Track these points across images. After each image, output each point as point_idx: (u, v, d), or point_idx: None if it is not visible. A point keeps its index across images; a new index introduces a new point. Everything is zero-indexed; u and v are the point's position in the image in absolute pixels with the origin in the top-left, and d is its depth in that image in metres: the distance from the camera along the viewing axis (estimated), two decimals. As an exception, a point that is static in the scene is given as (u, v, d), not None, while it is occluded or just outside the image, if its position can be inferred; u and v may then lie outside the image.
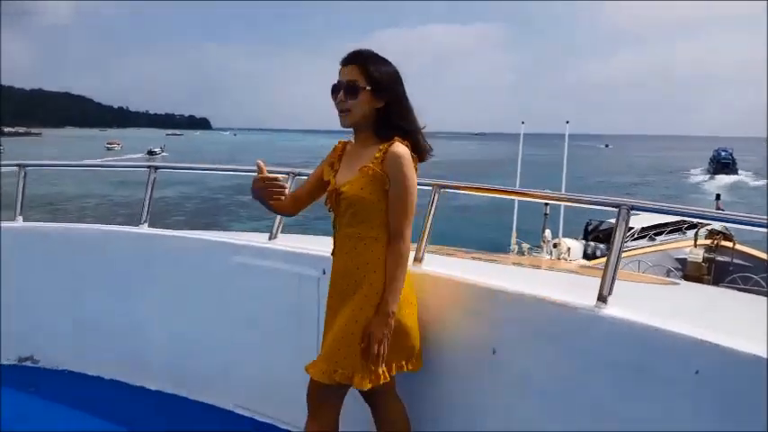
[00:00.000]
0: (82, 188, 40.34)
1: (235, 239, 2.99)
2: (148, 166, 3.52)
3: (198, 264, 3.10)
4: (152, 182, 3.34)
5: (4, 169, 3.87)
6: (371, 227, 1.97)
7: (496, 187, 2.55)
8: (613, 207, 2.02)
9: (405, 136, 1.96)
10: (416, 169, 1.97)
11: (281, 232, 2.97)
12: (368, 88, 1.92)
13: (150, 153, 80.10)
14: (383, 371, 1.99)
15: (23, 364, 3.52)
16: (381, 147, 1.94)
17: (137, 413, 3.02)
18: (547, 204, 10.50)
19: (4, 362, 3.51)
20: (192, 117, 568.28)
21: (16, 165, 3.64)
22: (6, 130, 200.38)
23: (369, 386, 1.98)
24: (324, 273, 2.56)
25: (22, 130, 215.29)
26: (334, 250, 2.09)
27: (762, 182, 52.26)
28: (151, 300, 3.25)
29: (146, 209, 3.37)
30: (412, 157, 1.94)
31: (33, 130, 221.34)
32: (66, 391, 3.22)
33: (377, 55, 1.98)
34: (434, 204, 2.47)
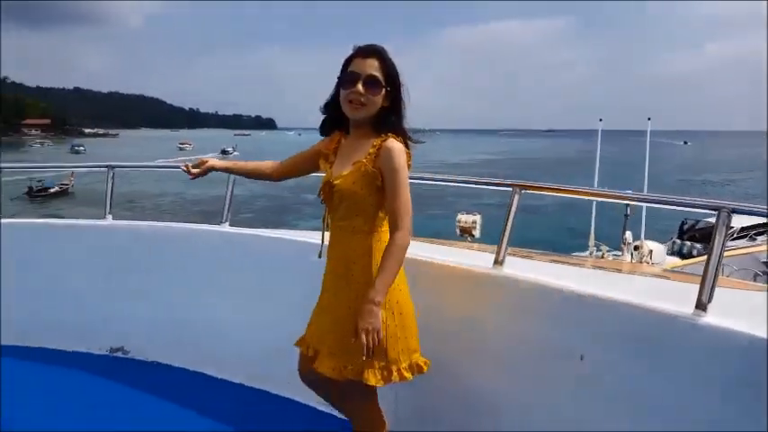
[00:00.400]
0: (158, 186, 42.23)
1: (313, 239, 2.94)
2: (106, 166, 3.74)
3: (278, 262, 3.14)
4: (232, 182, 3.40)
5: (93, 169, 4.08)
6: (364, 220, 1.97)
7: (581, 189, 2.45)
8: (713, 210, 1.91)
9: (399, 134, 1.97)
10: (410, 166, 1.98)
11: None
12: (387, 89, 1.95)
13: (223, 152, 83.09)
14: (397, 369, 1.98)
15: (114, 354, 3.68)
16: (375, 143, 1.94)
17: (220, 406, 3.09)
18: (627, 205, 10.16)
19: (97, 352, 3.70)
20: (258, 117, 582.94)
21: (105, 166, 3.82)
22: (87, 131, 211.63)
23: (381, 383, 1.96)
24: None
25: (101, 131, 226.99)
26: (330, 242, 2.09)
27: None
28: (234, 296, 3.32)
29: (226, 208, 3.45)
30: (407, 152, 1.96)
31: (111, 131, 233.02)
32: (153, 382, 3.33)
33: (389, 55, 1.99)
34: (515, 205, 2.39)
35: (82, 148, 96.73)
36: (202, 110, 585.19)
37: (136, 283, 3.63)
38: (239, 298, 3.31)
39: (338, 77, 1.99)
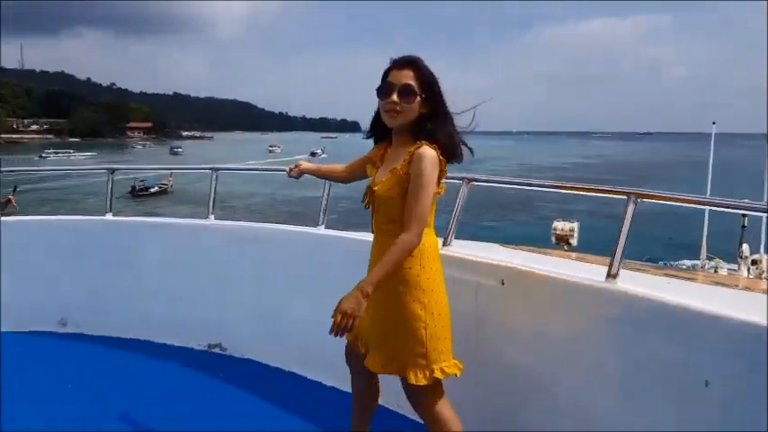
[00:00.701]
0: (248, 187, 43.62)
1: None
2: (210, 168, 3.94)
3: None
4: (328, 186, 3.43)
5: (196, 171, 4.20)
6: (402, 225, 1.99)
7: (699, 198, 2.29)
8: None
9: (437, 141, 2.00)
10: (445, 171, 2.04)
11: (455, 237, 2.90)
12: (422, 96, 2.02)
13: (312, 154, 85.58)
14: (439, 368, 2.03)
15: (213, 350, 3.80)
16: (410, 149, 2.00)
17: (312, 407, 3.11)
18: (744, 216, 9.44)
19: (196, 347, 3.82)
20: (343, 120, 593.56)
21: (210, 168, 3.98)
22: (185, 134, 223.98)
23: (424, 382, 2.01)
24: (503, 283, 2.47)
25: (197, 134, 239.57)
26: (372, 244, 2.21)
27: None
28: (329, 299, 3.32)
29: (322, 211, 3.48)
30: (440, 159, 1.99)
31: (207, 134, 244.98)
32: (249, 379, 3.41)
33: (426, 64, 2.05)
34: (630, 216, 2.24)
35: (180, 149, 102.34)
36: (291, 113, 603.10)
37: (235, 281, 3.74)
38: (334, 300, 3.29)
39: (377, 89, 2.08)
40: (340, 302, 1.94)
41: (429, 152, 1.95)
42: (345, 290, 3.48)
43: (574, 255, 4.31)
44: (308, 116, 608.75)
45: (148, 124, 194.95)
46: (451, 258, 2.64)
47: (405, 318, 2.03)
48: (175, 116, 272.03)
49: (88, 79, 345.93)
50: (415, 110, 2.03)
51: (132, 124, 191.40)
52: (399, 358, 2.04)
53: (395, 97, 2.00)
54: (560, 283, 2.36)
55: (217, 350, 3.81)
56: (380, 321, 2.11)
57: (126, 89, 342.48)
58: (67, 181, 50.27)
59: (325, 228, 3.49)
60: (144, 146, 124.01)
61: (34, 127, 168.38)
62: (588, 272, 2.39)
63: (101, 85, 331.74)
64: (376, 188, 2.08)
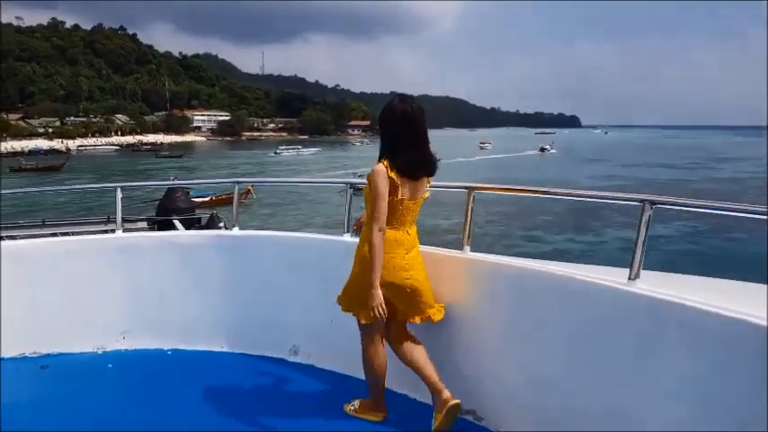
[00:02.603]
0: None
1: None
2: (234, 182, 4.19)
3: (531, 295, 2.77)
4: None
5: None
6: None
7: (716, 204, 2.23)
8: None
9: (392, 158, 2.74)
10: (394, 181, 2.71)
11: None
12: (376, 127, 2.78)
13: (542, 150, 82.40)
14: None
15: (293, 359, 3.76)
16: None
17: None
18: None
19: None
20: (561, 115, 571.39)
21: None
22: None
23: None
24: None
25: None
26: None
27: None
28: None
29: (466, 232, 3.12)
30: (388, 171, 2.70)
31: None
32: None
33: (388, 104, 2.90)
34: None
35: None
36: (503, 108, 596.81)
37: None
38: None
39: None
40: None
41: (377, 167, 2.73)
42: (511, 322, 3.07)
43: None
44: (521, 111, 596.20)
45: (367, 122, 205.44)
46: (639, 299, 2.27)
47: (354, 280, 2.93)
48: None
49: (316, 81, 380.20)
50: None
51: (352, 122, 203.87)
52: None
53: None
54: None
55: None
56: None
57: (348, 89, 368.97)
58: (299, 175, 55.12)
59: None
60: (362, 143, 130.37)
61: (271, 126, 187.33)
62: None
63: (327, 86, 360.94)
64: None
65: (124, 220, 3.85)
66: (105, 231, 11.24)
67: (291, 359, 3.76)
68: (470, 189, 3.02)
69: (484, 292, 2.89)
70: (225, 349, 3.94)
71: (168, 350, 3.95)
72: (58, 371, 3.70)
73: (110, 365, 3.79)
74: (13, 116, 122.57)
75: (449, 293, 2.99)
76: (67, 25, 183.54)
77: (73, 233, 11.30)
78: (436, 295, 2.94)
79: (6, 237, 10.56)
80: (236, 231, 4.07)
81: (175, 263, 3.99)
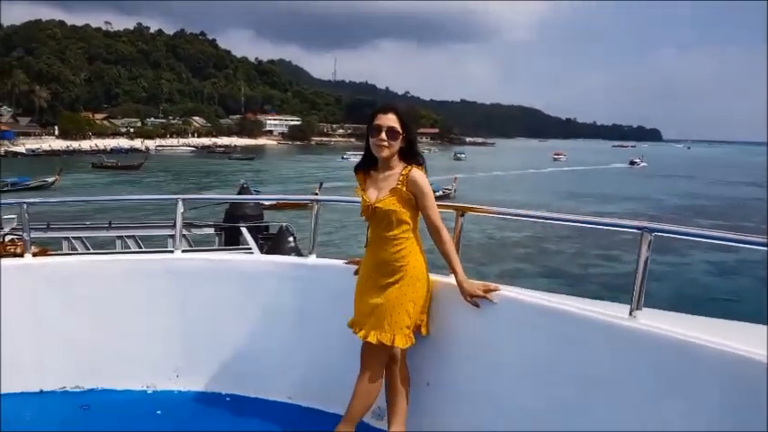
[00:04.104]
0: (531, 197, 40.35)
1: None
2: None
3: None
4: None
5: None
6: (405, 230, 2.70)
7: (720, 234, 2.23)
8: None
9: (417, 161, 2.75)
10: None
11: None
12: (403, 134, 2.69)
13: (632, 164, 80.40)
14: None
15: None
16: (403, 172, 2.69)
17: None
18: None
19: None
20: (640, 128, 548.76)
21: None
22: (468, 139, 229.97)
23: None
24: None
25: (479, 140, 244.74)
26: (369, 244, 2.83)
27: None
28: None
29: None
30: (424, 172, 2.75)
31: (488, 141, 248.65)
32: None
33: (406, 107, 2.59)
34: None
35: (463, 155, 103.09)
36: (579, 120, 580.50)
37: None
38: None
39: (368, 129, 2.71)
40: (468, 289, 2.69)
41: (420, 173, 2.70)
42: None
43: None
44: (598, 123, 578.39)
45: (435, 130, 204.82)
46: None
47: (407, 297, 2.76)
48: (461, 122, 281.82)
49: (386, 88, 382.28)
50: (398, 144, 2.69)
51: (421, 130, 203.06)
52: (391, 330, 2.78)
53: (383, 135, 2.65)
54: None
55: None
56: (388, 302, 2.77)
57: (418, 97, 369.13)
58: None
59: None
60: (429, 150, 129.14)
61: (340, 131, 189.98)
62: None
63: (397, 93, 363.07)
64: (379, 204, 2.69)
65: (191, 225, 3.37)
66: (172, 236, 10.82)
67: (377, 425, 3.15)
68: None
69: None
70: (293, 401, 3.41)
71: (227, 395, 3.50)
72: (100, 411, 3.32)
73: (159, 412, 3.33)
74: (98, 116, 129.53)
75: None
76: (152, 30, 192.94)
77: (138, 237, 10.91)
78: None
79: (72, 238, 10.29)
80: (312, 259, 3.51)
81: (240, 293, 3.53)
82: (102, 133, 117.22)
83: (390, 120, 2.65)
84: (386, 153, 2.67)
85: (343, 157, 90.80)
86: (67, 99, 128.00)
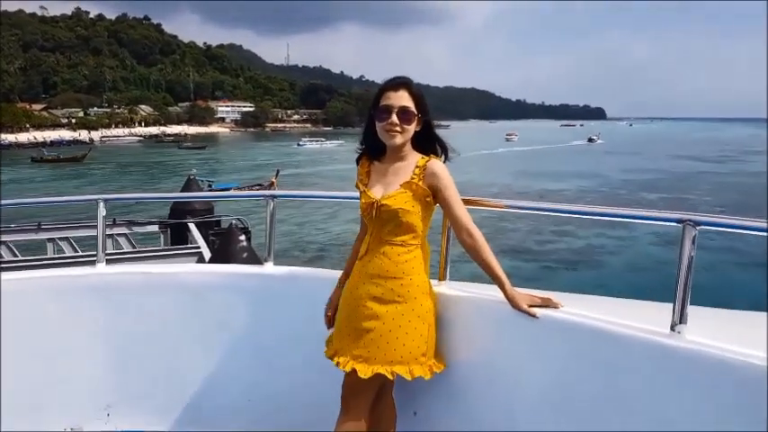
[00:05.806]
0: (486, 176, 40.90)
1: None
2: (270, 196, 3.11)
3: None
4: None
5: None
6: (414, 235, 2.20)
7: None
8: None
9: (435, 148, 2.28)
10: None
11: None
12: (419, 116, 2.21)
13: (590, 140, 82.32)
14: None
15: None
16: (419, 163, 2.21)
17: None
18: None
19: None
20: (586, 107, 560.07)
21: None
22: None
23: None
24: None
25: (434, 123, 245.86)
26: (367, 252, 2.27)
27: None
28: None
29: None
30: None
31: (443, 123, 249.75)
32: None
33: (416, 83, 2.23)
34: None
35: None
36: (529, 100, 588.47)
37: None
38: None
39: (370, 111, 2.24)
40: (520, 302, 2.10)
41: (440, 166, 2.21)
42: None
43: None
44: (546, 103, 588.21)
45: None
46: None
47: (421, 318, 2.25)
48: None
49: (341, 72, 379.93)
50: (413, 128, 2.21)
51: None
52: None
53: (395, 119, 2.16)
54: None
55: None
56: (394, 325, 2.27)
57: (373, 81, 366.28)
58: (321, 167, 55.30)
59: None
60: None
61: (295, 117, 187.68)
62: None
63: (351, 77, 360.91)
64: (386, 201, 2.18)
65: (133, 223, 2.70)
66: (111, 236, 10.02)
67: None
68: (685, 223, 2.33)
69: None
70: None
71: None
72: None
73: None
74: (36, 106, 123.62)
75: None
76: (91, 15, 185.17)
77: (72, 239, 10.06)
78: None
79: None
80: (269, 267, 3.05)
81: (182, 311, 3.06)
82: (41, 125, 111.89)
83: (403, 98, 2.18)
84: (399, 140, 2.20)
85: (299, 144, 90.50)
86: (1, 90, 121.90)
